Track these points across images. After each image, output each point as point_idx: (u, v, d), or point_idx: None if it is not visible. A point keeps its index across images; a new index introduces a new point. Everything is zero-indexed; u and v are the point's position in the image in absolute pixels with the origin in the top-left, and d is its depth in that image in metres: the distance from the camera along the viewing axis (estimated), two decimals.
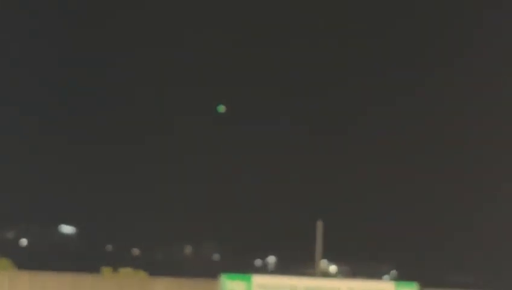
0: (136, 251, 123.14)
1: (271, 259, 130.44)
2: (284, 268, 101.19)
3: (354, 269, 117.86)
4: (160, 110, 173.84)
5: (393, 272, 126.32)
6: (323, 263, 79.67)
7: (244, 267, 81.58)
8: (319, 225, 68.98)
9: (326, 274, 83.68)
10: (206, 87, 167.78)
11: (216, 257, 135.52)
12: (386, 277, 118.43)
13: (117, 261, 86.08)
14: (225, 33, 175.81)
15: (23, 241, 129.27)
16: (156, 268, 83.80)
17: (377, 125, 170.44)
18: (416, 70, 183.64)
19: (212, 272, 71.10)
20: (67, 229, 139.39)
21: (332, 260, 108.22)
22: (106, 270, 76.82)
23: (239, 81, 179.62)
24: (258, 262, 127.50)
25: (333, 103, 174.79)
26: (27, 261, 79.67)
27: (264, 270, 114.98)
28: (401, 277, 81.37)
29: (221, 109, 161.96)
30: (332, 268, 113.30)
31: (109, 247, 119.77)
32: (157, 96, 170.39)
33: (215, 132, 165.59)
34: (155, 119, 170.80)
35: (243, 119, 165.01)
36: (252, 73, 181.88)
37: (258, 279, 67.08)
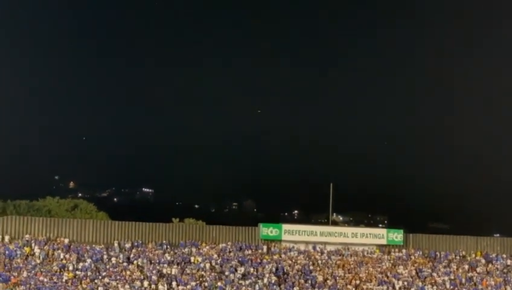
0: (196, 206, 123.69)
1: (295, 212, 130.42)
2: (305, 219, 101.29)
3: (356, 219, 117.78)
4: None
5: (386, 222, 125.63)
6: (333, 215, 79.65)
7: (275, 218, 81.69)
8: (331, 186, 68.95)
9: (335, 223, 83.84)
10: None
11: (255, 211, 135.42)
12: (380, 225, 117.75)
13: (183, 214, 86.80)
14: None
15: (115, 199, 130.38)
16: (211, 218, 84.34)
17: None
18: None
19: (252, 222, 71.45)
20: (146, 190, 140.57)
21: (340, 212, 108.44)
22: (175, 220, 77.55)
23: None
24: (286, 214, 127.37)
25: None
26: (117, 213, 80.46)
27: (290, 220, 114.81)
28: (391, 225, 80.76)
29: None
30: (340, 218, 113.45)
31: (177, 203, 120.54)
32: None
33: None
34: None
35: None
36: None
37: (286, 226, 67.46)
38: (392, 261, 65.59)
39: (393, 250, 67.25)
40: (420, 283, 62.96)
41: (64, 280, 54.11)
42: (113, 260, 58.09)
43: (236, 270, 59.60)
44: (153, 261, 58.78)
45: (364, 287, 60.80)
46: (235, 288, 57.41)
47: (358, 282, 61.37)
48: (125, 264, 57.88)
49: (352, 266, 63.75)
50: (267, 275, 59.80)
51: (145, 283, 55.63)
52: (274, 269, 60.81)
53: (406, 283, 62.48)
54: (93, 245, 59.37)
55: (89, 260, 57.23)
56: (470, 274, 65.78)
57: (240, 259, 61.50)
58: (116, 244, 60.07)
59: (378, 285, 61.42)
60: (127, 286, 54.87)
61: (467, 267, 66.81)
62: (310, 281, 60.27)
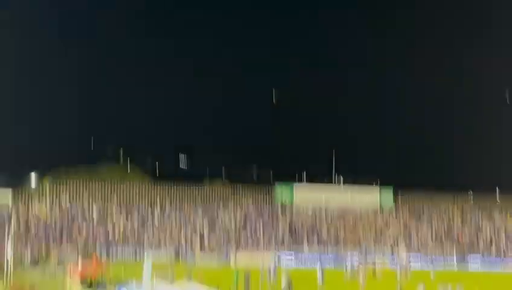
0: (223, 170, 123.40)
1: (304, 175, 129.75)
2: (312, 179, 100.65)
3: (354, 179, 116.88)
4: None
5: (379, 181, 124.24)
6: (336, 176, 79.04)
7: (288, 179, 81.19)
8: (333, 152, 68.80)
9: (337, 183, 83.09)
10: None
11: (271, 173, 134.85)
12: (373, 183, 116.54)
13: (212, 175, 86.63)
14: None
15: (157, 164, 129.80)
16: (235, 181, 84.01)
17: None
18: None
19: (269, 182, 71.02)
20: (181, 156, 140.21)
21: (341, 173, 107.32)
22: (205, 181, 77.60)
23: None
24: (296, 175, 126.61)
25: None
26: (158, 177, 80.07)
27: (300, 181, 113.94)
28: (383, 184, 79.95)
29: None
30: (341, 179, 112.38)
31: (207, 168, 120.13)
32: None
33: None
34: None
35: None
36: None
37: (297, 186, 67.69)
38: (384, 218, 65.41)
39: (385, 208, 67.07)
40: (407, 236, 62.71)
41: (116, 234, 54.48)
42: (156, 217, 58.33)
43: (256, 227, 59.67)
44: (188, 219, 58.92)
45: (362, 240, 60.59)
46: (255, 240, 57.51)
47: (356, 236, 61.22)
48: (165, 221, 58.10)
49: (352, 222, 63.57)
50: (281, 229, 59.86)
51: (182, 239, 55.76)
52: (287, 224, 60.85)
53: (395, 236, 62.29)
54: (140, 205, 59.58)
55: (136, 218, 57.48)
56: (448, 228, 65.58)
57: (259, 216, 61.54)
58: (158, 204, 60.21)
59: (373, 238, 61.25)
60: (168, 242, 54.97)
61: (446, 221, 66.53)
62: (316, 235, 60.18)
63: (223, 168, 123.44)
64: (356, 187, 71.84)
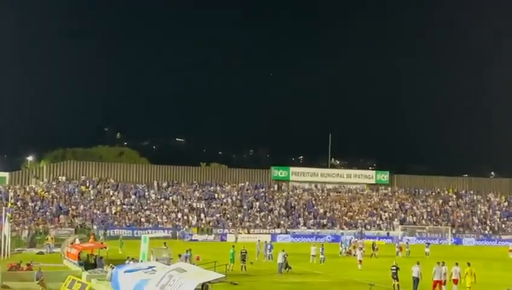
0: (220, 153, 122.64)
1: (301, 157, 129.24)
2: (309, 163, 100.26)
3: (350, 162, 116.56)
4: None
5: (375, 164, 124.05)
6: (332, 159, 78.89)
7: (284, 162, 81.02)
8: (330, 136, 68.36)
9: (333, 166, 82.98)
10: None
11: (268, 156, 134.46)
12: (370, 168, 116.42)
13: (209, 159, 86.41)
14: None
15: (154, 147, 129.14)
16: (232, 163, 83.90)
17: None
18: None
19: (265, 165, 71.10)
20: (179, 140, 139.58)
21: (337, 157, 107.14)
22: (203, 164, 77.32)
23: None
24: (293, 159, 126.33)
25: None
26: (156, 159, 79.96)
27: (297, 163, 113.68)
28: (379, 167, 79.64)
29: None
30: (337, 162, 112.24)
31: (204, 150, 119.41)
32: None
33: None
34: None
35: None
36: None
37: (293, 169, 67.16)
38: (379, 197, 65.24)
39: (380, 188, 66.87)
40: (402, 215, 62.67)
41: (113, 213, 54.26)
42: (153, 196, 58.13)
43: (252, 205, 59.51)
44: (185, 197, 58.74)
45: (357, 217, 60.57)
46: (251, 219, 57.35)
47: (352, 214, 61.16)
48: (162, 199, 57.90)
49: (347, 200, 63.47)
50: (277, 209, 59.68)
51: (179, 215, 55.68)
52: (283, 204, 60.66)
53: (390, 215, 62.24)
54: (137, 184, 59.31)
55: (133, 196, 57.28)
56: (443, 207, 65.43)
57: (256, 196, 61.35)
58: (155, 184, 60.01)
59: (369, 216, 61.18)
60: (164, 218, 54.92)
61: (441, 201, 66.39)
62: (312, 213, 60.13)
63: (220, 151, 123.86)
64: (352, 170, 71.78)
